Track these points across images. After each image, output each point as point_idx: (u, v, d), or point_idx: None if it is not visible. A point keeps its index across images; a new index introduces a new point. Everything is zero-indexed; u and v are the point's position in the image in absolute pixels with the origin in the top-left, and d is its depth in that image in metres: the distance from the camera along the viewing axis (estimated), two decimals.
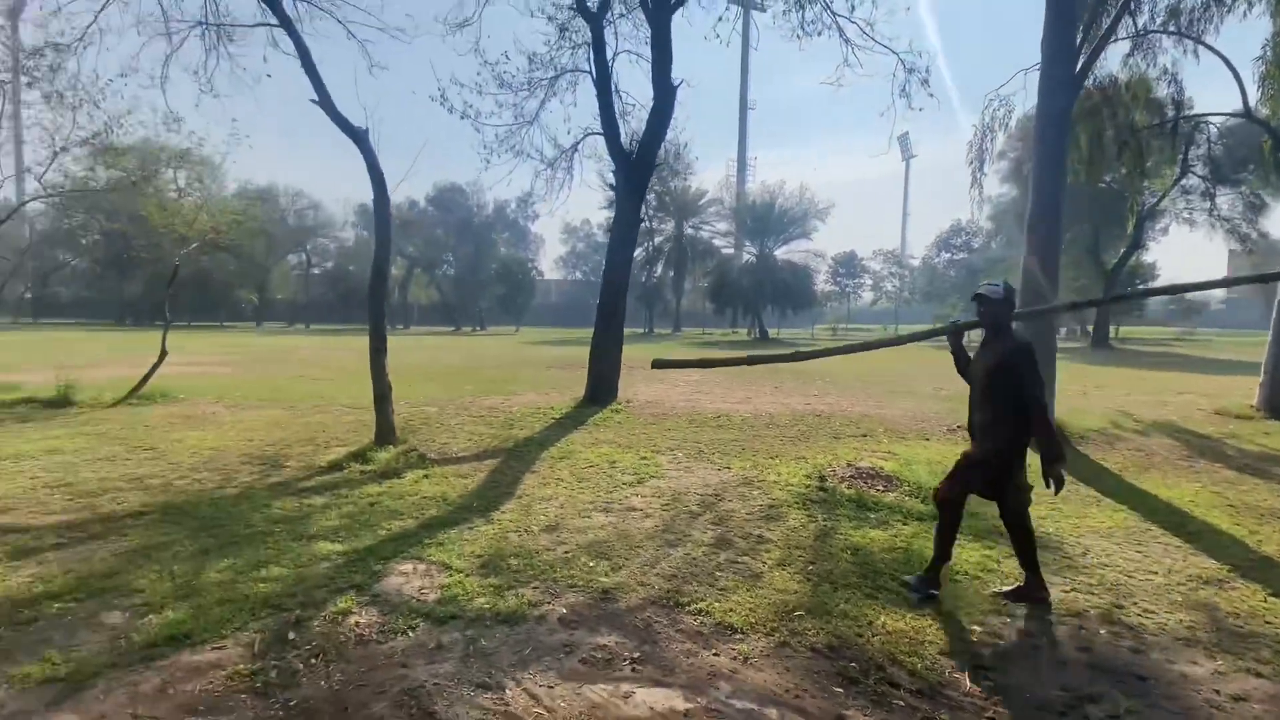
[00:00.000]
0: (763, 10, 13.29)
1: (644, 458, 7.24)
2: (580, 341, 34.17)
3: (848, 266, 63.17)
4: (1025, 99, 13.47)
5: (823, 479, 6.31)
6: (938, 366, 22.42)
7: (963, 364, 4.08)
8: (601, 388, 11.07)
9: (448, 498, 5.69)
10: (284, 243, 61.93)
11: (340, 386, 13.29)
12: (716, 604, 3.65)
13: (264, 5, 7.90)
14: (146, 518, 5.02)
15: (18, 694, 2.70)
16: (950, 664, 3.11)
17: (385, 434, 7.55)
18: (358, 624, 3.34)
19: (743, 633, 3.36)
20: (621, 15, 11.76)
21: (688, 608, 3.61)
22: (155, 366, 11.33)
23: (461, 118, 11.45)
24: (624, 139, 11.50)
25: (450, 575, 3.97)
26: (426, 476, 6.36)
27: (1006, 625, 3.55)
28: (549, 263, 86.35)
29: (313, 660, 2.98)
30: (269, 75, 9.82)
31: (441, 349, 28.78)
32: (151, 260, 24.55)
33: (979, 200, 13.16)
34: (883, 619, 3.52)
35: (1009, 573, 4.18)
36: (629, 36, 13.37)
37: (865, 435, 8.80)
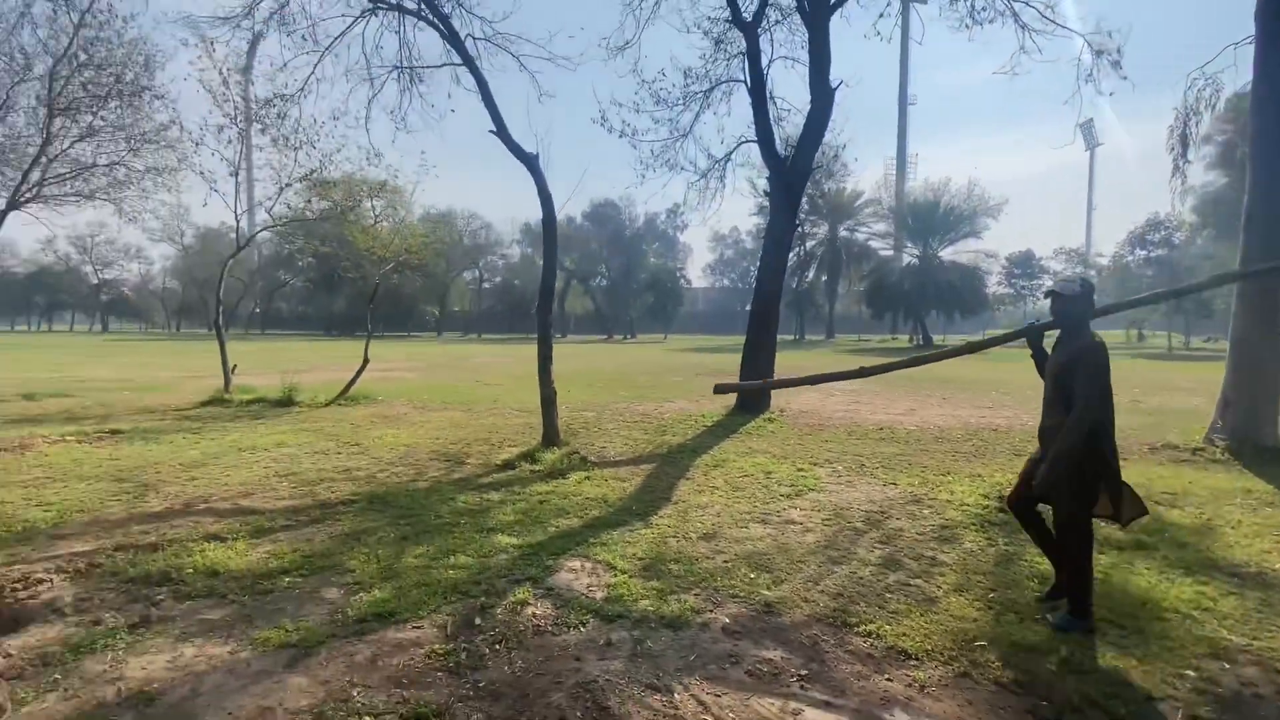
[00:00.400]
0: (924, 2, 12.55)
1: (801, 469, 7.04)
2: (726, 349, 34.16)
3: (1024, 267, 57.65)
4: (1235, 76, 11.55)
5: (1003, 499, 5.77)
6: (1135, 375, 19.76)
7: (1043, 366, 3.79)
8: (754, 396, 10.94)
9: (608, 499, 5.89)
10: (460, 261, 68.00)
11: (509, 391, 14.28)
12: (887, 627, 3.46)
13: (449, 47, 8.71)
14: (355, 505, 5.68)
15: (260, 655, 3.13)
16: (1159, 711, 2.72)
17: (551, 436, 7.98)
18: (534, 615, 3.54)
19: (917, 659, 3.15)
20: (777, 22, 11.65)
21: (856, 628, 3.45)
22: (359, 372, 12.84)
23: (620, 136, 11.88)
24: (778, 145, 11.34)
25: (615, 575, 4.09)
26: (588, 478, 6.63)
27: (1226, 672, 3.04)
28: (696, 271, 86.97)
29: (496, 646, 3.20)
30: (453, 110, 10.76)
31: (596, 356, 29.97)
32: (354, 279, 27.86)
33: (1180, 190, 11.49)
34: (1078, 656, 3.15)
35: (1227, 612, 3.62)
36: (784, 42, 13.21)
37: None
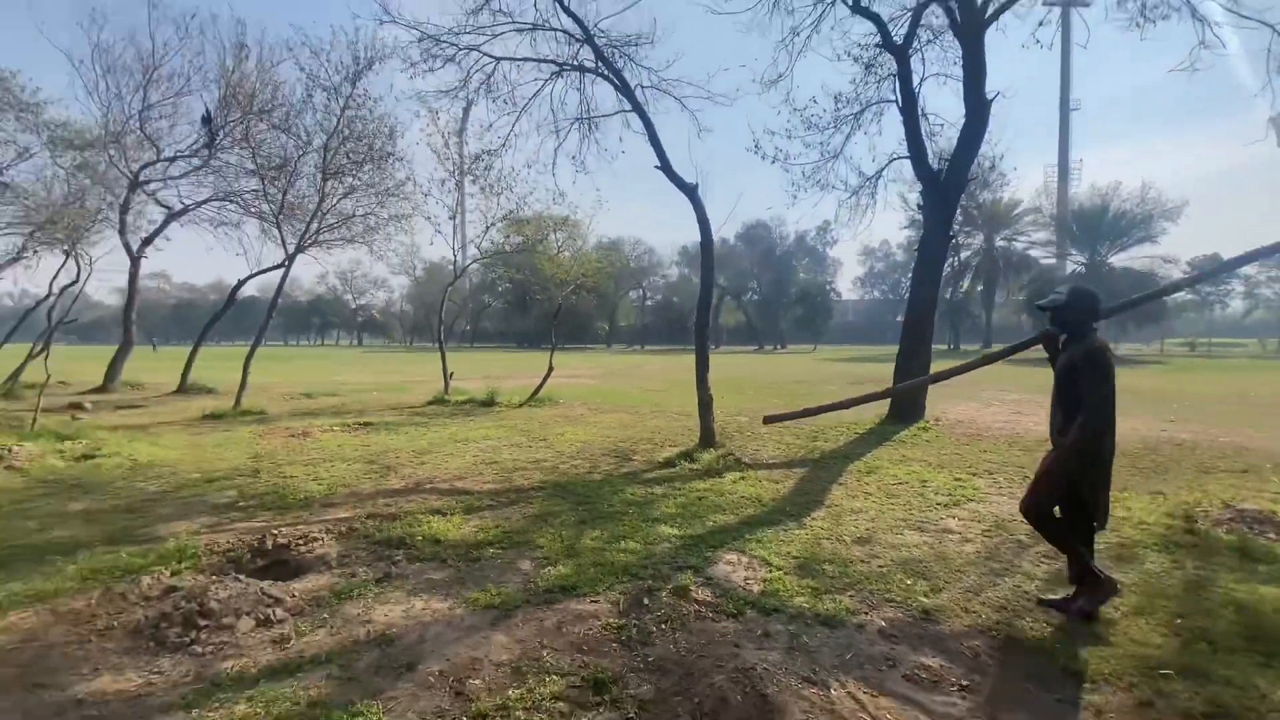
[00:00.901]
0: (1087, 4, 10.99)
1: (958, 479, 6.39)
2: (879, 358, 32.01)
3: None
4: None
5: (1190, 519, 4.85)
6: None
7: None
8: (907, 404, 10.10)
9: (762, 499, 5.74)
10: (627, 281, 70.50)
11: (670, 396, 14.49)
12: (1057, 645, 3.02)
13: (621, 97, 9.08)
14: (543, 491, 6.05)
15: (471, 613, 3.42)
16: None
17: (708, 438, 7.97)
18: (696, 601, 3.53)
19: (1092, 681, 2.72)
20: (929, 42, 10.76)
21: (1022, 644, 3.06)
22: (545, 379, 13.74)
23: (773, 162, 11.62)
24: (931, 159, 10.48)
25: (770, 571, 3.97)
26: (742, 478, 6.52)
27: None
28: (846, 283, 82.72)
29: (663, 625, 3.24)
30: (623, 151, 11.18)
31: (748, 366, 29.49)
32: (541, 300, 29.97)
33: None
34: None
35: None
36: (935, 60, 12.13)
37: (1245, 471, 6.57)
